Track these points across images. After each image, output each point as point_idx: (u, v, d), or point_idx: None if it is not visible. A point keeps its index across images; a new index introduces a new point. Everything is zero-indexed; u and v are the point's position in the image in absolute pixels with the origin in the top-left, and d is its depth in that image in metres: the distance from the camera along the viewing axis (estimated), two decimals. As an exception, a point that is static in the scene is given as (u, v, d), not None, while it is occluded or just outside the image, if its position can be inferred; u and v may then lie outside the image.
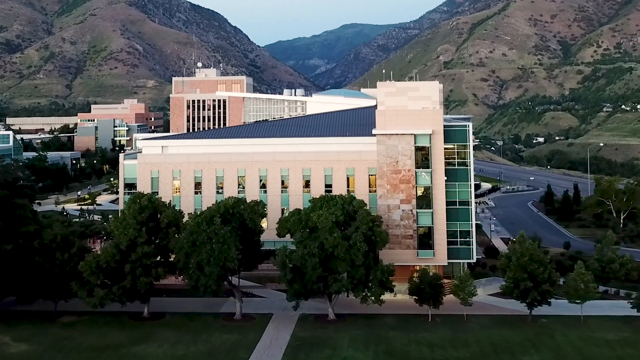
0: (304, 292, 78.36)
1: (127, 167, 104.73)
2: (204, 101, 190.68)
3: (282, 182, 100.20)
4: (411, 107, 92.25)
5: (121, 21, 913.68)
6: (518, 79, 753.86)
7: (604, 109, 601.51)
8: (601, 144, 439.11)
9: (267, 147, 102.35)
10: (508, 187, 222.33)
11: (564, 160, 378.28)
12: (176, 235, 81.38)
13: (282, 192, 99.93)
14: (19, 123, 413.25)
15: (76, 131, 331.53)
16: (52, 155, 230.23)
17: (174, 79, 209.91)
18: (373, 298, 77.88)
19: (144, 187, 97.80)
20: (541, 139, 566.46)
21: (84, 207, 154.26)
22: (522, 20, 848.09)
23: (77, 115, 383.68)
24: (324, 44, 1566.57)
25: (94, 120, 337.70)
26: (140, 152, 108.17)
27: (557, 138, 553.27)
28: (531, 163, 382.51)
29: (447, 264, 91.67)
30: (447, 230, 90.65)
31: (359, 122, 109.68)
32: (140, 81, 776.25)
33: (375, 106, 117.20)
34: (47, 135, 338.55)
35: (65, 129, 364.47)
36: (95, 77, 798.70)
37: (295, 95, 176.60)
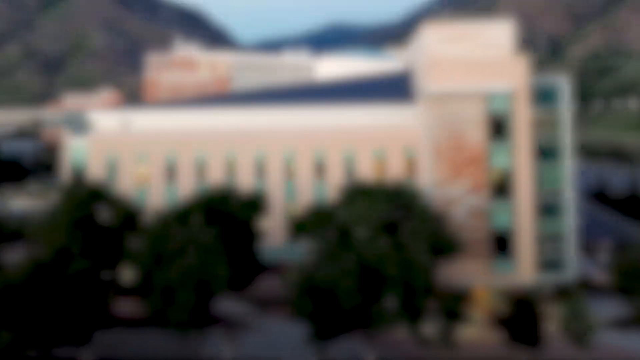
0: (332, 330, 50.27)
1: (74, 148, 76.88)
2: (183, 83, 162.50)
3: (286, 168, 73.89)
4: (474, 57, 64.97)
5: (103, 19, 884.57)
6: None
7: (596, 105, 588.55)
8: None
9: (265, 120, 75.69)
10: None
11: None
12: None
13: (285, 181, 74.34)
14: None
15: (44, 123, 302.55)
16: (8, 146, 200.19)
17: (148, 58, 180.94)
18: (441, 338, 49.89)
19: (97, 175, 71.31)
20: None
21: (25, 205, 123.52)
22: (510, 16, 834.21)
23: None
24: (309, 44, 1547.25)
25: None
26: (93, 127, 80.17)
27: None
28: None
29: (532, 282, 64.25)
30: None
31: (388, 89, 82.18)
32: (122, 79, 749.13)
33: (407, 72, 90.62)
34: (13, 128, 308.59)
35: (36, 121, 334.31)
36: (76, 75, 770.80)
37: (299, 57, 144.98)
